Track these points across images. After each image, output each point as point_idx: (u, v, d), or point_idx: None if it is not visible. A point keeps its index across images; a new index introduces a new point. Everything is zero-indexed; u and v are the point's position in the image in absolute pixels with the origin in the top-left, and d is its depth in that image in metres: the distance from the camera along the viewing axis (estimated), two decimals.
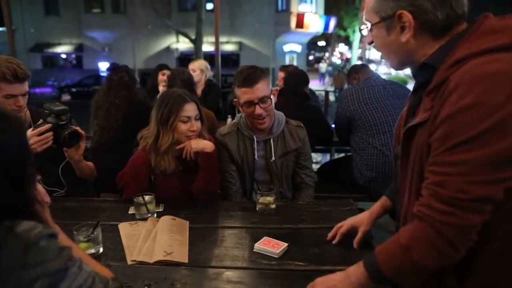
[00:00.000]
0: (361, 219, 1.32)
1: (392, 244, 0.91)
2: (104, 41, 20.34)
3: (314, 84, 17.59)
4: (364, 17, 1.01)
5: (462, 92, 0.78)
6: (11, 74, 1.58)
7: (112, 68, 2.57)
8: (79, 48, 21.34)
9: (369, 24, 0.99)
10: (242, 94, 1.72)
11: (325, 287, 0.99)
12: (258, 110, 1.70)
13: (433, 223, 0.83)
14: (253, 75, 1.70)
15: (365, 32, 1.03)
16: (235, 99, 1.81)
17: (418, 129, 0.90)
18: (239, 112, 3.47)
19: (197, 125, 1.68)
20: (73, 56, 22.28)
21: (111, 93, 2.46)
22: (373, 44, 1.02)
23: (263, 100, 1.71)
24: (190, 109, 1.66)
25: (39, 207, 0.86)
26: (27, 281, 0.71)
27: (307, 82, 3.04)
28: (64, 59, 22.44)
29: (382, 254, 0.92)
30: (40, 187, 0.93)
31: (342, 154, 3.69)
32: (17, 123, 0.78)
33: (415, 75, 1.00)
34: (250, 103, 1.70)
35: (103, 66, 19.30)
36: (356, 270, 0.96)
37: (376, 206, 1.33)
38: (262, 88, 1.70)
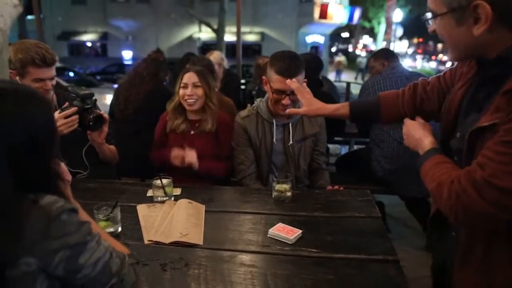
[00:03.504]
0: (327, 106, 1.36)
1: (437, 169, 0.93)
2: (128, 30, 20.62)
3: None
4: (428, 3, 0.91)
5: None
6: (40, 58, 1.64)
7: (154, 51, 2.78)
8: (104, 37, 21.73)
9: (430, 13, 0.91)
10: (277, 82, 1.71)
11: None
12: (287, 101, 1.72)
13: (453, 190, 0.83)
14: (294, 67, 1.69)
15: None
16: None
17: (487, 132, 0.83)
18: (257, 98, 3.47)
19: (194, 91, 1.88)
20: (98, 44, 22.71)
21: (141, 66, 2.61)
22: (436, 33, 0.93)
23: (294, 93, 1.71)
24: (188, 77, 1.89)
25: (61, 183, 0.90)
26: (49, 252, 0.75)
27: (320, 68, 2.98)
28: (89, 47, 22.90)
29: (427, 168, 0.96)
30: (62, 165, 0.96)
31: (362, 147, 3.64)
32: (43, 101, 0.81)
33: (481, 65, 0.93)
34: (282, 93, 1.72)
35: (127, 54, 19.61)
36: (422, 149, 1.03)
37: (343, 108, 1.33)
38: (298, 81, 1.69)
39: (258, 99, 1.95)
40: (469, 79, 0.98)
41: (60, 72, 8.02)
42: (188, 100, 1.87)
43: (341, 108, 1.32)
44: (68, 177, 0.98)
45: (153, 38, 19.00)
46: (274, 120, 1.86)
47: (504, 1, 0.78)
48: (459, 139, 0.95)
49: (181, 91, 1.89)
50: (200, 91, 1.88)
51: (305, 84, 1.46)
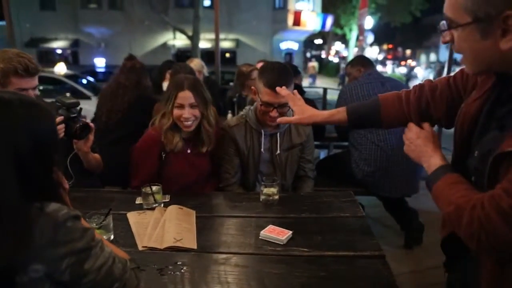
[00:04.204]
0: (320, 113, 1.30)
1: (453, 190, 0.87)
2: (100, 36, 20.22)
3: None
4: (445, 11, 0.83)
5: None
6: (23, 68, 1.62)
7: (127, 58, 2.73)
8: (75, 44, 21.19)
9: (446, 22, 0.82)
10: (265, 94, 1.71)
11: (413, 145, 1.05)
12: (275, 113, 1.72)
13: (474, 214, 0.78)
14: (282, 80, 1.65)
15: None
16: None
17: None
18: (239, 107, 3.52)
19: (191, 112, 1.72)
20: (69, 51, 22.13)
21: (121, 76, 2.57)
22: (451, 44, 0.85)
23: (282, 106, 1.72)
24: (184, 97, 1.72)
25: (62, 191, 0.91)
26: (56, 258, 0.76)
27: (297, 72, 3.09)
28: (59, 54, 22.28)
29: (440, 189, 0.90)
30: (60, 173, 0.97)
31: (340, 151, 3.76)
32: (47, 111, 0.83)
33: (502, 80, 0.86)
34: (270, 105, 1.72)
35: (99, 62, 19.22)
36: (430, 165, 0.97)
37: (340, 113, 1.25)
38: None
39: (247, 107, 1.96)
40: (486, 92, 0.90)
41: (73, 79, 7.80)
42: (185, 123, 1.73)
43: (336, 113, 1.25)
44: (66, 185, 0.99)
45: (127, 45, 18.70)
46: (262, 130, 1.87)
47: None
48: (478, 159, 0.87)
49: (176, 112, 1.72)
50: (197, 112, 1.74)
51: (296, 91, 1.43)
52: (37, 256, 0.74)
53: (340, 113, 1.24)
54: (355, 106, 1.26)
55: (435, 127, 1.12)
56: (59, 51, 22.06)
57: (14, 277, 0.72)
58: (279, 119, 1.43)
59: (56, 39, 20.94)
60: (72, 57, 22.10)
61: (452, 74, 1.10)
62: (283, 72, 1.72)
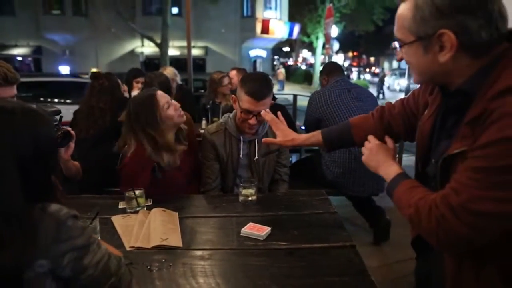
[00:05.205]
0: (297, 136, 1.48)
1: (412, 194, 0.95)
2: (65, 43, 19.62)
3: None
4: (395, 33, 0.96)
5: (504, 124, 0.78)
6: (2, 77, 1.63)
7: (93, 77, 2.67)
8: (37, 51, 20.40)
9: (397, 42, 0.97)
10: (246, 102, 1.79)
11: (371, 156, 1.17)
12: (253, 121, 1.81)
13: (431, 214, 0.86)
14: (264, 90, 1.79)
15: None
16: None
17: (458, 158, 0.88)
18: (213, 114, 3.60)
19: (177, 103, 1.85)
20: (30, 59, 21.28)
21: (93, 100, 2.52)
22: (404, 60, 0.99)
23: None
24: (162, 95, 1.82)
25: (58, 193, 0.97)
26: (59, 254, 0.83)
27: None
28: (20, 61, 21.37)
29: (400, 194, 0.99)
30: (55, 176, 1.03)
31: (309, 155, 3.91)
32: (46, 118, 0.89)
33: (445, 94, 0.99)
34: (249, 113, 1.81)
35: (64, 70, 18.63)
36: (388, 174, 1.07)
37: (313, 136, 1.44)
38: (266, 103, 1.81)
39: (226, 115, 2.03)
40: (436, 110, 1.04)
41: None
42: (180, 112, 1.83)
43: (311, 137, 1.45)
44: (60, 187, 1.05)
45: (93, 53, 18.31)
46: (241, 137, 1.95)
47: (467, 31, 0.83)
48: (434, 165, 1.00)
49: (170, 111, 1.78)
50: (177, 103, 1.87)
51: (279, 113, 1.56)
52: (42, 253, 0.80)
53: (315, 136, 1.45)
54: (328, 130, 1.45)
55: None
56: (19, 58, 21.17)
57: (22, 274, 0.78)
58: (264, 139, 1.55)
59: (16, 45, 20.08)
60: (34, 65, 21.24)
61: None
62: (265, 81, 1.83)
